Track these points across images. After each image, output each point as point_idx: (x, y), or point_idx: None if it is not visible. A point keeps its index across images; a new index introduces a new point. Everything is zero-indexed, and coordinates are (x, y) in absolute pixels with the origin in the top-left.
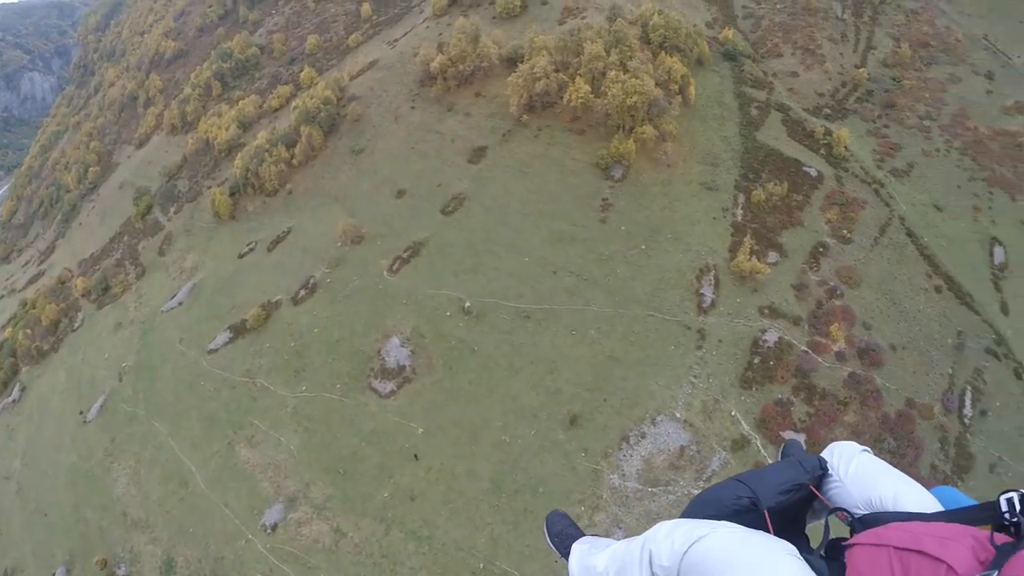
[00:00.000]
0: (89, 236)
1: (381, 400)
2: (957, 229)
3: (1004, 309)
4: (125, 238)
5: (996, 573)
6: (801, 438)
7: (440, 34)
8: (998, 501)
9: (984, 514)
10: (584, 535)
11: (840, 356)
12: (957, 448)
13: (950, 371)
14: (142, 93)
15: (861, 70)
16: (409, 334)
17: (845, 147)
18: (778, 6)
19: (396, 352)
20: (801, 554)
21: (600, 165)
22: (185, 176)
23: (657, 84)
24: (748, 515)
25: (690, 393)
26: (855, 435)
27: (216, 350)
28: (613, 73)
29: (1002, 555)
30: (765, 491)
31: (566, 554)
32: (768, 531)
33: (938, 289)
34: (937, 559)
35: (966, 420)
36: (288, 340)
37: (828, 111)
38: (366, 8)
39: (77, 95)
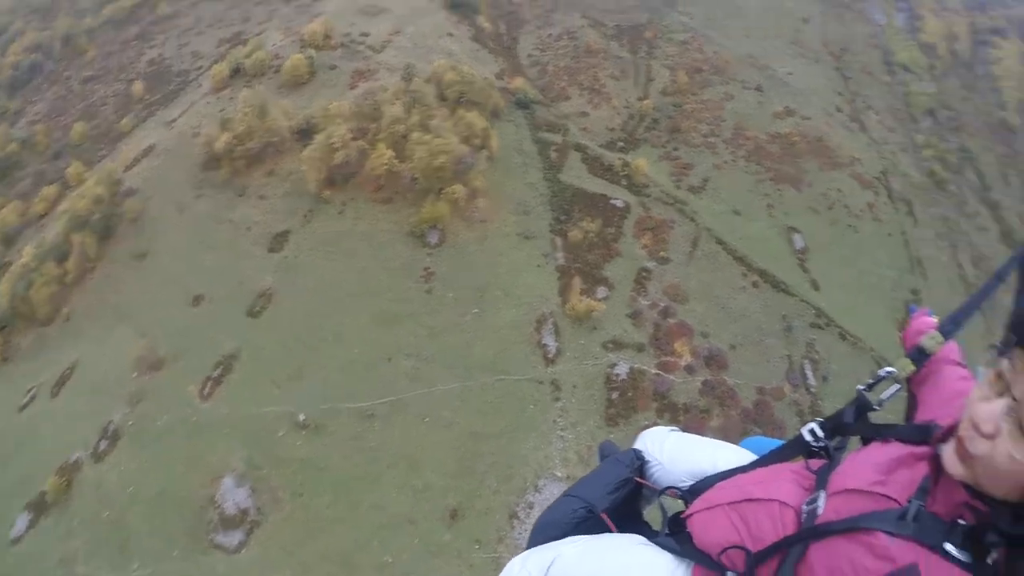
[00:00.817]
0: None
1: (231, 556)
2: (758, 228)
3: (815, 286)
4: None
5: (822, 492)
6: None
7: (222, 110)
8: (801, 434)
9: (794, 449)
10: None
11: (690, 369)
12: (812, 415)
13: (787, 352)
14: None
15: (646, 101)
16: (242, 469)
17: (644, 175)
18: (561, 51)
19: (233, 494)
20: (649, 540)
21: (415, 233)
22: None
23: (461, 140)
24: (588, 523)
25: (562, 448)
26: (725, 435)
27: (19, 539)
28: (416, 135)
29: (822, 476)
30: (595, 496)
31: None
32: (611, 531)
33: (755, 284)
34: (767, 500)
35: (812, 390)
36: (100, 509)
37: (622, 144)
38: (138, 87)
39: None
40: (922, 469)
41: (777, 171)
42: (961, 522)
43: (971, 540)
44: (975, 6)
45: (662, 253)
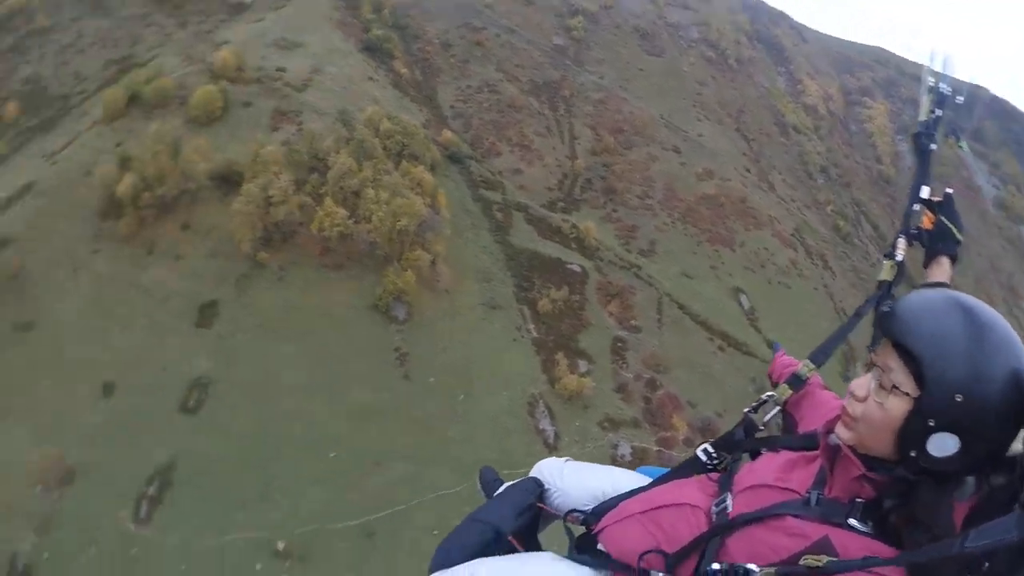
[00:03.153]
0: None
1: None
2: (709, 290)
3: (769, 345)
4: None
5: (728, 495)
6: None
7: (119, 144)
8: (696, 455)
9: (690, 469)
10: None
11: (688, 442)
12: None
13: None
14: None
15: (577, 162)
16: None
17: (594, 238)
18: (484, 105)
19: None
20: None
21: (379, 307)
22: None
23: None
24: (494, 547)
25: None
26: None
27: None
28: (370, 192)
29: (725, 481)
30: (503, 520)
31: None
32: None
33: (721, 348)
34: (678, 504)
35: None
36: None
37: (562, 204)
38: (11, 108)
39: None
40: (815, 467)
41: (711, 232)
42: (859, 500)
43: (871, 512)
44: (844, 69)
45: (632, 321)
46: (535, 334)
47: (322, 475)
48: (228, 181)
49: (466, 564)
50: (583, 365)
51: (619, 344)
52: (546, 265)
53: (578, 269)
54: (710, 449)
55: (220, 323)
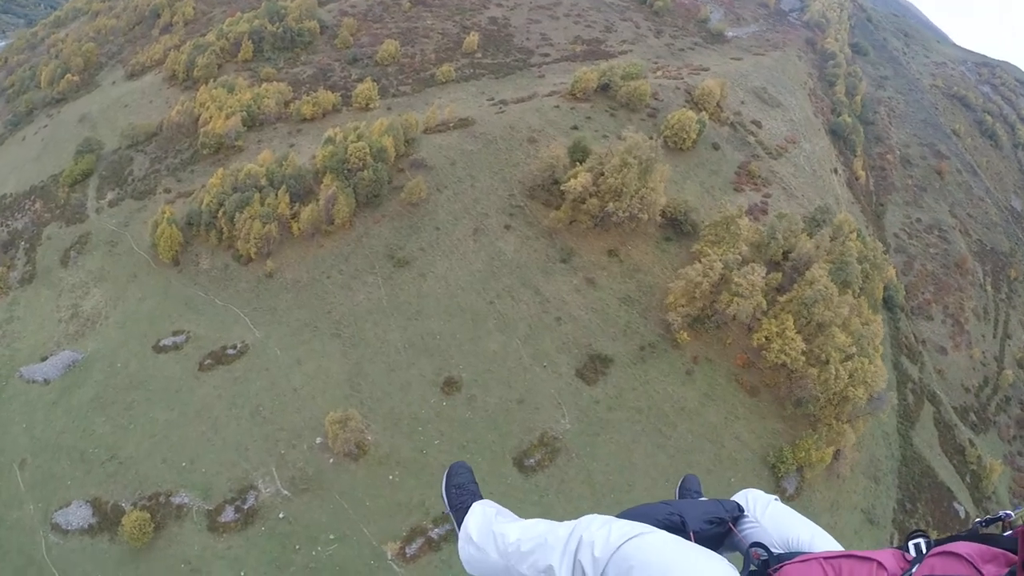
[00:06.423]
0: (19, 165)
1: None
2: None
3: None
4: (39, 204)
5: (917, 566)
6: None
7: (574, 127)
8: (907, 544)
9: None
10: (484, 498)
11: None
12: None
13: None
14: (166, 14)
15: (1005, 372)
16: None
17: (992, 483)
18: (930, 250)
19: None
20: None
21: (775, 469)
22: (149, 153)
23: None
24: (675, 532)
25: None
26: None
27: (68, 531)
28: (840, 337)
29: (918, 559)
30: (692, 516)
31: (462, 510)
32: None
33: None
34: (867, 559)
35: None
36: None
37: (974, 416)
38: (472, 40)
39: None
40: (1010, 563)
41: None
42: None
43: None
44: None
45: None
46: None
47: None
48: (675, 225)
49: (647, 525)
50: None
51: None
52: (935, 491)
53: (962, 513)
54: (923, 547)
55: (604, 386)
